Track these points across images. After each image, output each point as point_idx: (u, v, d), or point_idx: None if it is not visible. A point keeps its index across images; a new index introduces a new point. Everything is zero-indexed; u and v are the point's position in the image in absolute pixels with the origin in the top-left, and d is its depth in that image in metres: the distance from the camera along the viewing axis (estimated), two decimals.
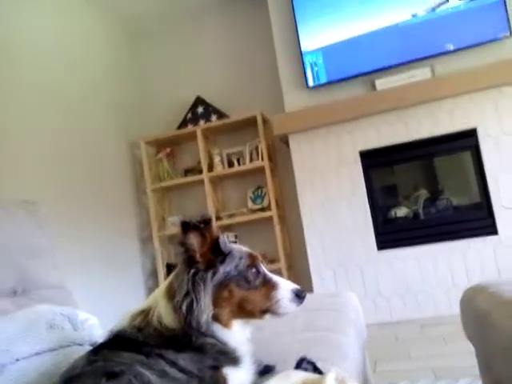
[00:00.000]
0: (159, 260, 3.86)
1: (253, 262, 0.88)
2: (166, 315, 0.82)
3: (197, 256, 0.83)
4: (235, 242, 3.63)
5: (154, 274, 3.96)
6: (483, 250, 2.97)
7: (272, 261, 3.63)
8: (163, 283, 0.91)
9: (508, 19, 2.96)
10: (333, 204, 3.29)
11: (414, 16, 3.15)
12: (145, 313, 0.85)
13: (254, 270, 0.88)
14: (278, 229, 3.61)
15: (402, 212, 3.32)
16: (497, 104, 3.01)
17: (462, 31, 3.06)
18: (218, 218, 3.78)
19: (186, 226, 0.83)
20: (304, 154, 3.38)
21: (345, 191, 3.27)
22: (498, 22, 2.98)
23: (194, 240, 0.83)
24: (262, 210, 3.76)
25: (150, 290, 3.83)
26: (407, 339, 2.66)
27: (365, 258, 3.20)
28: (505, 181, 2.97)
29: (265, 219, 3.70)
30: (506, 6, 2.95)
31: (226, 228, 3.85)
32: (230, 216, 3.83)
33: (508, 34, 2.96)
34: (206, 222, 0.85)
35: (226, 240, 0.90)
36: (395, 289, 3.13)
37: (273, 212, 3.62)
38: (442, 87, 3.03)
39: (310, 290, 3.27)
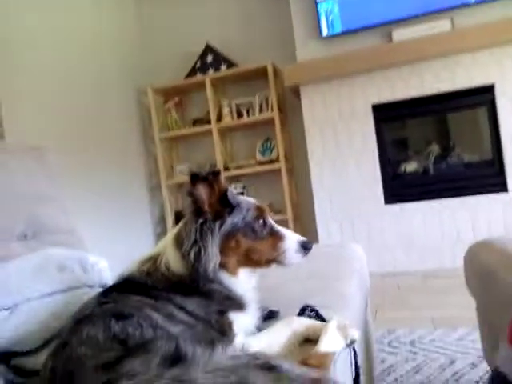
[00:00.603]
0: (167, 207, 3.92)
1: (260, 213, 0.89)
2: (174, 262, 0.84)
3: (205, 206, 0.84)
4: (242, 194, 3.65)
5: (162, 221, 4.04)
6: (492, 206, 2.97)
7: (279, 212, 3.66)
8: (171, 231, 0.93)
9: None
10: (342, 157, 3.27)
11: None
12: (153, 259, 0.87)
13: (261, 221, 0.88)
14: (285, 181, 3.61)
15: (411, 167, 3.29)
16: None
17: None
18: (226, 169, 3.78)
19: (195, 178, 0.83)
20: (315, 106, 3.32)
21: (355, 144, 3.24)
22: None
23: (202, 191, 0.84)
24: (271, 162, 3.75)
25: (159, 237, 3.91)
26: (409, 289, 2.72)
27: (372, 211, 3.21)
28: (507, 142, 2.91)
29: (273, 171, 3.69)
30: None
31: (234, 179, 3.86)
32: (238, 167, 3.83)
33: None
34: (215, 173, 0.86)
35: (234, 192, 0.91)
36: (400, 242, 3.17)
37: (281, 164, 3.61)
38: (461, 41, 2.91)
39: (316, 241, 3.32)
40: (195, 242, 0.82)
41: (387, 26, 3.12)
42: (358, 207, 3.24)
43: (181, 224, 0.90)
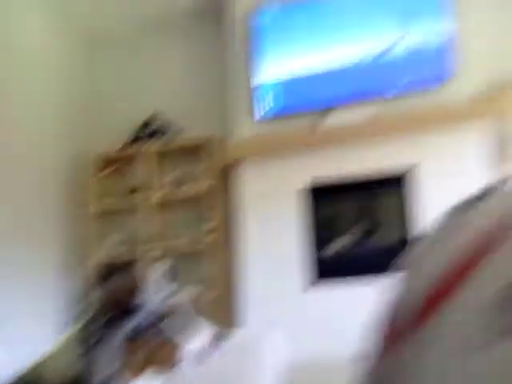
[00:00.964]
0: (86, 287, 3.70)
1: (168, 313, 0.88)
2: (69, 363, 0.80)
3: (112, 303, 0.83)
4: (173, 272, 3.55)
5: (76, 304, 3.77)
6: None
7: (208, 290, 3.59)
8: (73, 327, 0.89)
9: (449, 68, 3.18)
10: (273, 236, 3.34)
11: (362, 59, 3.34)
12: (49, 358, 0.82)
13: (167, 321, 0.87)
14: (218, 257, 3.59)
15: (337, 247, 3.40)
16: (432, 146, 3.20)
17: (406, 77, 3.27)
18: (160, 242, 3.71)
19: (106, 272, 0.82)
20: (250, 184, 3.43)
21: (285, 223, 3.34)
22: (443, 66, 3.20)
23: (112, 286, 0.83)
24: (205, 236, 3.73)
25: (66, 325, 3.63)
26: (332, 379, 2.66)
27: (297, 292, 3.24)
28: (423, 225, 3.15)
29: (207, 246, 3.67)
30: (447, 54, 3.18)
31: (166, 254, 3.76)
32: (171, 241, 3.77)
33: (447, 81, 3.19)
34: (127, 268, 0.85)
35: (149, 285, 0.90)
36: (324, 325, 3.17)
37: (215, 239, 3.61)
38: (384, 128, 3.21)
39: (241, 322, 3.28)
40: (97, 340, 0.80)
41: (318, 111, 3.38)
42: (284, 287, 3.27)
43: (84, 321, 0.87)
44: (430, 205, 3.16)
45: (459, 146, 3.17)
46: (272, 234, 3.35)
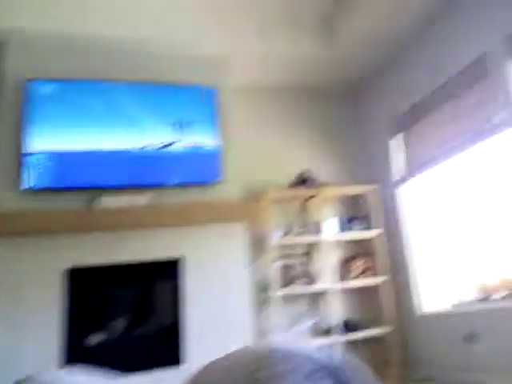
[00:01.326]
0: None
1: None
2: None
3: None
4: None
5: None
6: (173, 381, 2.98)
7: None
8: None
9: (217, 172, 3.50)
10: (20, 327, 2.85)
11: (143, 148, 3.38)
12: None
13: None
14: None
15: (98, 339, 3.08)
16: (201, 238, 3.36)
17: (183, 170, 3.43)
18: None
19: None
20: (4, 263, 2.92)
21: (38, 310, 2.90)
22: (213, 168, 3.50)
23: None
24: None
25: None
26: None
27: None
28: (192, 311, 3.22)
29: None
30: (216, 161, 3.52)
31: None
32: None
33: (215, 183, 3.49)
34: None
35: None
36: None
37: None
38: (158, 216, 3.22)
39: None
40: None
41: (92, 191, 3.20)
42: None
43: None
44: (197, 292, 3.25)
45: (225, 239, 3.45)
46: (27, 320, 2.87)
